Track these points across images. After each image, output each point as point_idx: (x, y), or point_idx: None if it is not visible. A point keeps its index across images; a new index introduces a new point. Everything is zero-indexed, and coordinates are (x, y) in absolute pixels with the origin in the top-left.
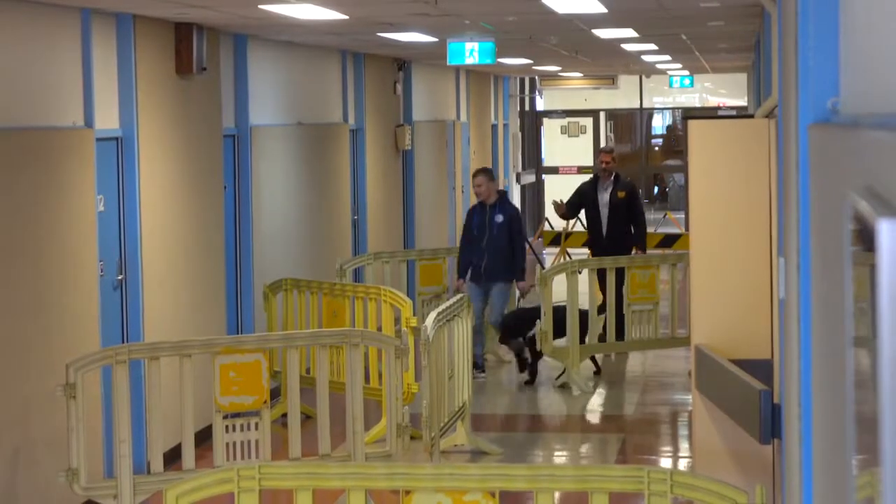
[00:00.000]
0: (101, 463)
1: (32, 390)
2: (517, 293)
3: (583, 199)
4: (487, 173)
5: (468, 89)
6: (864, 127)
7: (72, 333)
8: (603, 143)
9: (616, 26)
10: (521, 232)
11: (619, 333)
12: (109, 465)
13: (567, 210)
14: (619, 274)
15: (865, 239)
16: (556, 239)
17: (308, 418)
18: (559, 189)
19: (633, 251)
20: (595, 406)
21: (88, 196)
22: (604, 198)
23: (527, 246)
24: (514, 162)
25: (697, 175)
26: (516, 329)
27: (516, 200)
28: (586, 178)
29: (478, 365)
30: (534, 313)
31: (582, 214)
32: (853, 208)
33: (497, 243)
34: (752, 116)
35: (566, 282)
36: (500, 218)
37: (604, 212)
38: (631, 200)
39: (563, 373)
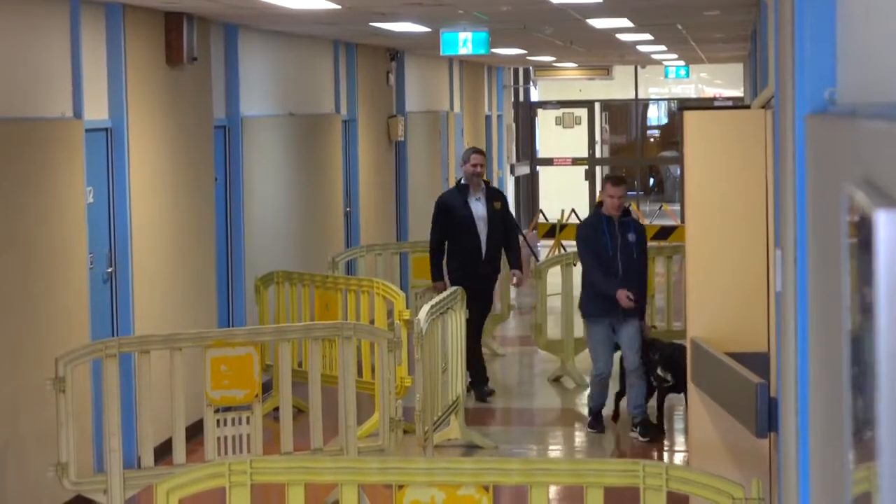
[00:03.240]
0: (91, 457)
1: (21, 384)
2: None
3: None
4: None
5: (462, 80)
6: (861, 117)
7: (61, 327)
8: (598, 135)
9: (611, 16)
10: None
11: None
12: (99, 459)
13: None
14: None
15: (863, 230)
16: (551, 231)
17: (300, 412)
18: (554, 180)
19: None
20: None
21: (77, 188)
22: (477, 210)
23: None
24: (508, 153)
25: (693, 166)
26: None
27: (510, 192)
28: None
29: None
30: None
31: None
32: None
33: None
34: (748, 107)
35: (561, 274)
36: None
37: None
38: (505, 212)
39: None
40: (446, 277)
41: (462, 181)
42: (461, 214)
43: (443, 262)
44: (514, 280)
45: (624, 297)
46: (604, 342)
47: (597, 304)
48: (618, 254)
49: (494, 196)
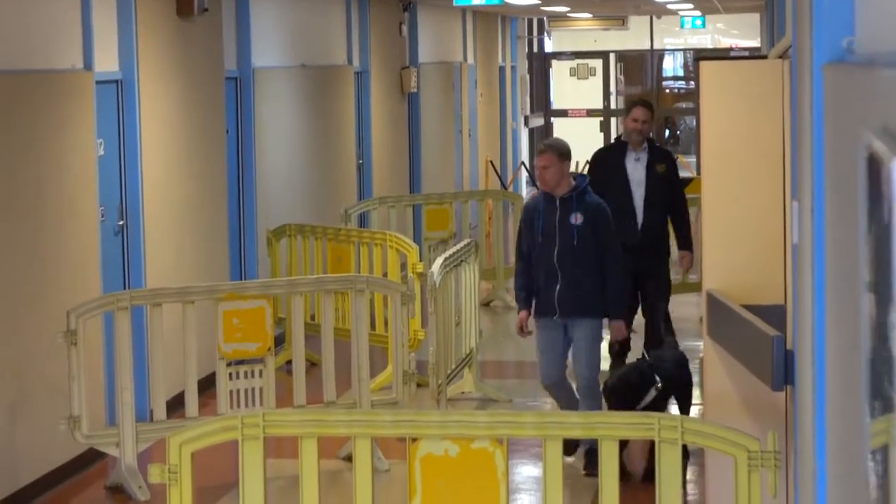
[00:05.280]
0: (104, 411)
1: (32, 338)
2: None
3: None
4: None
5: (475, 31)
6: (879, 66)
7: (72, 280)
8: (613, 86)
9: None
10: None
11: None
12: (111, 412)
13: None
14: None
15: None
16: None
17: (313, 365)
18: (568, 132)
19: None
20: (604, 352)
21: (88, 140)
22: (636, 173)
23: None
24: (522, 105)
25: (709, 118)
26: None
27: (524, 144)
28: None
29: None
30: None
31: None
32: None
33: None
34: (765, 57)
35: None
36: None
37: (638, 193)
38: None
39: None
40: None
41: (622, 137)
42: (613, 176)
43: None
44: (683, 263)
45: (519, 325)
46: (547, 348)
47: (538, 299)
48: (555, 241)
49: (659, 158)
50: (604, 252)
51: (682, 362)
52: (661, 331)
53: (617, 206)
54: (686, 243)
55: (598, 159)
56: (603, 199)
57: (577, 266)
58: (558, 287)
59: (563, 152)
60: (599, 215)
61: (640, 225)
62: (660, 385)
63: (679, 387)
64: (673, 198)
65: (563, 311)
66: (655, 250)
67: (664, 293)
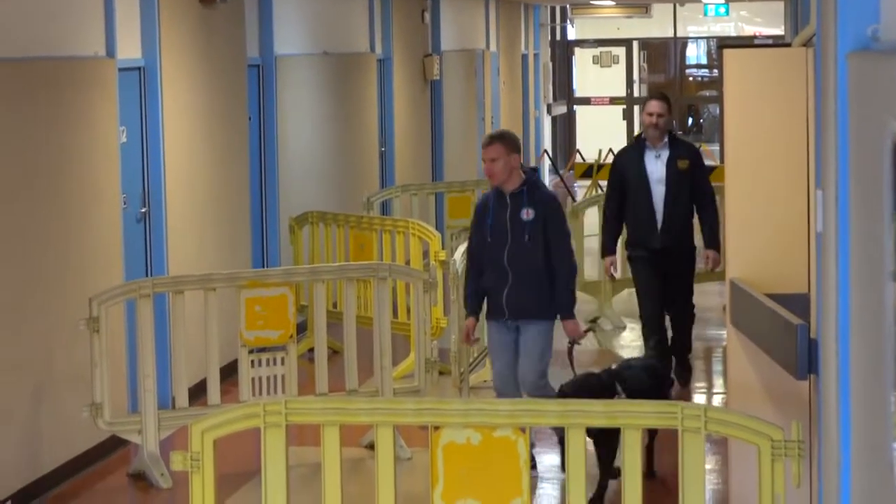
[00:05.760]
0: (126, 398)
1: (55, 325)
2: None
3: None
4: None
5: (498, 18)
6: None
7: (95, 267)
8: (636, 74)
9: None
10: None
11: None
12: (134, 400)
13: (609, 211)
14: None
15: None
16: (588, 171)
17: (335, 353)
18: (591, 120)
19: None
20: (627, 342)
21: (111, 127)
22: (656, 170)
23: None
24: (544, 93)
25: (733, 106)
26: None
27: (546, 132)
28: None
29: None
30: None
31: None
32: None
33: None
34: (789, 45)
35: (598, 214)
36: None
37: (657, 190)
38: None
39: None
40: (621, 255)
41: (642, 134)
42: (633, 174)
43: (617, 234)
44: (708, 262)
45: (465, 333)
46: (498, 353)
47: (489, 300)
48: (506, 239)
49: (681, 153)
50: (552, 247)
51: (654, 372)
52: (687, 336)
53: (636, 205)
54: (712, 242)
55: (617, 163)
56: (625, 201)
57: (528, 265)
58: (508, 287)
59: (512, 144)
60: (551, 209)
61: (660, 225)
62: (623, 396)
63: (646, 399)
64: (698, 194)
65: (513, 312)
66: (679, 251)
67: (689, 296)
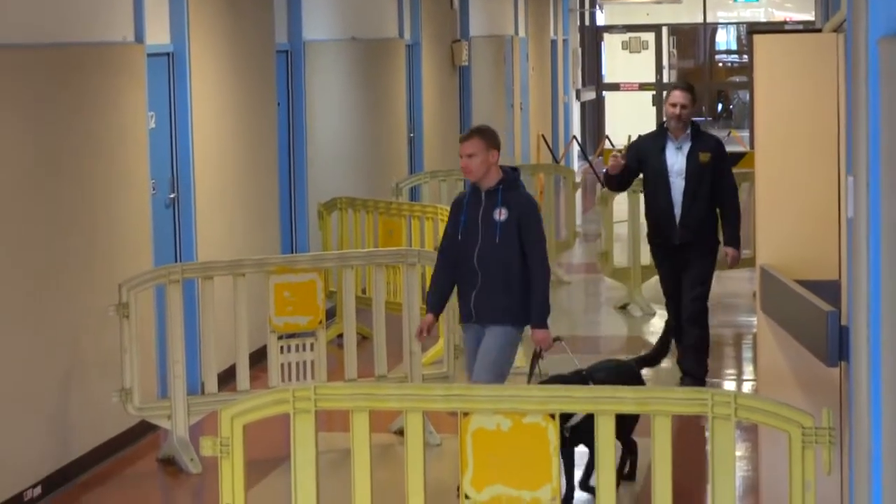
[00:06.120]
0: (155, 384)
1: (84, 310)
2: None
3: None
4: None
5: (526, 4)
6: None
7: (124, 253)
8: (665, 60)
9: None
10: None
11: None
12: (163, 385)
13: (616, 177)
14: None
15: None
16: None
17: (364, 339)
18: (620, 105)
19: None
20: (657, 328)
21: (139, 113)
22: (676, 162)
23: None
24: (573, 78)
25: (763, 92)
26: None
27: (576, 118)
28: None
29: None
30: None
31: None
32: None
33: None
34: (819, 31)
35: (627, 201)
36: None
37: (677, 184)
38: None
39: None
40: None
41: (665, 123)
42: (653, 165)
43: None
44: (727, 260)
45: (418, 329)
46: (471, 355)
47: (459, 302)
48: (476, 239)
49: (704, 146)
50: (528, 252)
51: (627, 376)
52: (698, 329)
53: (654, 198)
54: (732, 240)
55: (635, 146)
56: (644, 192)
57: (498, 267)
58: (476, 290)
59: (491, 139)
60: (526, 210)
61: (678, 219)
62: None
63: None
64: (719, 189)
65: (479, 316)
66: (698, 245)
67: (699, 287)
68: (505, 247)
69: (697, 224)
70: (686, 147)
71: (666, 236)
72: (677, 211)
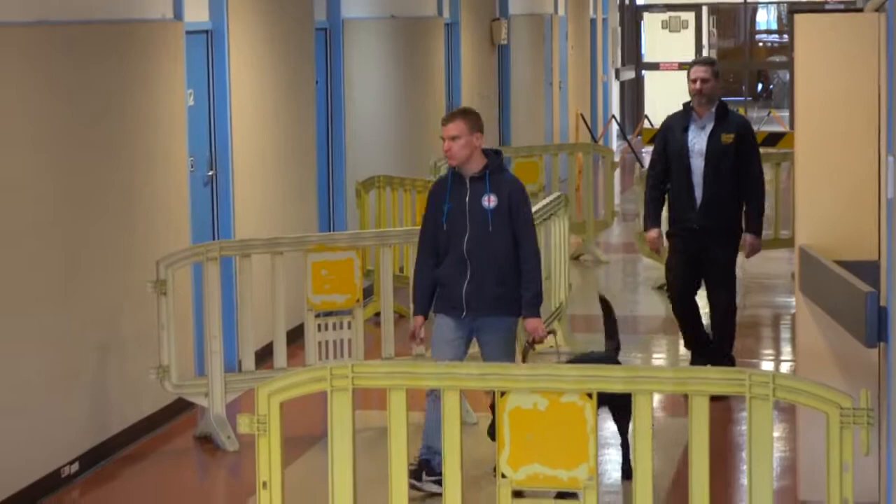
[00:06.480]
0: (192, 361)
1: (122, 287)
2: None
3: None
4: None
5: None
6: None
7: (162, 230)
8: (705, 39)
9: None
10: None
11: None
12: (200, 363)
13: (652, 185)
14: None
15: None
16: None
17: (401, 317)
18: (660, 85)
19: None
20: None
21: (178, 91)
22: (698, 142)
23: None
24: (613, 58)
25: (803, 71)
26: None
27: (615, 97)
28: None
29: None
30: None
31: None
32: None
33: None
34: (861, 10)
35: None
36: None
37: (697, 164)
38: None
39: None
40: (661, 231)
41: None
42: (675, 144)
43: (660, 204)
44: (746, 249)
45: (411, 331)
46: (444, 350)
47: (442, 293)
48: (465, 228)
49: (728, 126)
50: (520, 238)
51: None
52: (725, 330)
53: (676, 179)
54: (752, 225)
55: (664, 127)
56: (666, 172)
57: (491, 257)
58: (467, 281)
59: (475, 122)
60: (516, 194)
61: (698, 202)
62: None
63: (606, 397)
64: (742, 172)
65: (472, 309)
66: (718, 231)
67: (727, 284)
68: (498, 235)
69: (719, 208)
70: (709, 127)
71: (685, 220)
72: (697, 193)
